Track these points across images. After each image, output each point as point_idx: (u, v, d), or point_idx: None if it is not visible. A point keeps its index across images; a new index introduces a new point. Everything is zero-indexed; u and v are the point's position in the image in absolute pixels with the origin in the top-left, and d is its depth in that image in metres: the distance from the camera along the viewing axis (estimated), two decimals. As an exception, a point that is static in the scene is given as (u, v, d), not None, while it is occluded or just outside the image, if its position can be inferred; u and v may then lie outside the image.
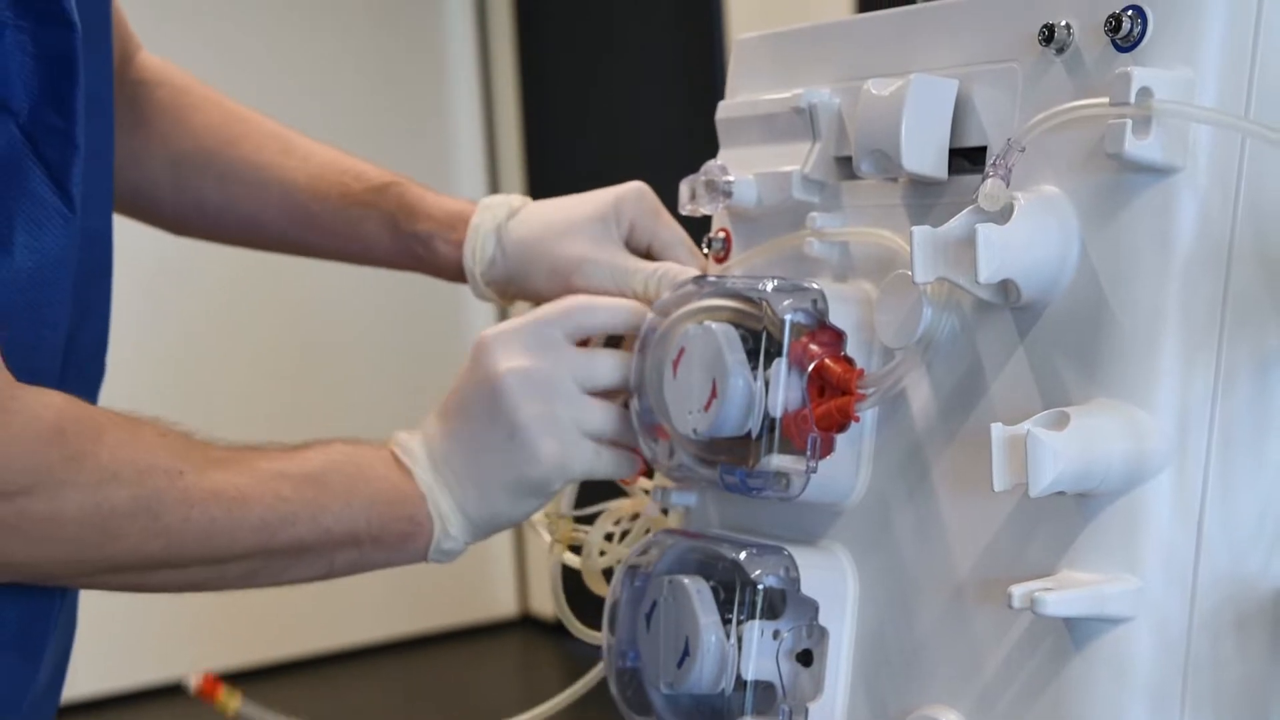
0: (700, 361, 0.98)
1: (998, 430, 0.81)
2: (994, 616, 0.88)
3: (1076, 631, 0.83)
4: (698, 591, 0.99)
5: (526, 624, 4.29)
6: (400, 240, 1.24)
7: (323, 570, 1.01)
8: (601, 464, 1.04)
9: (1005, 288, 0.86)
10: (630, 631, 1.05)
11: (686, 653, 0.98)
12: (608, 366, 1.05)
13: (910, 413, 0.94)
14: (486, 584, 4.26)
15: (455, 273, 1.23)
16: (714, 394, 0.97)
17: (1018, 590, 0.81)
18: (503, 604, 4.27)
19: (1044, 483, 0.80)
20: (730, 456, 0.98)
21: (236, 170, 1.29)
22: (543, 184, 3.92)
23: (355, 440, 1.04)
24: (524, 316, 1.05)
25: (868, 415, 0.95)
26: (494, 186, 4.08)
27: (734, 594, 0.98)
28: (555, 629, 4.12)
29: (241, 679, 3.73)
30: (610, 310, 1.05)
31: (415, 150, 3.99)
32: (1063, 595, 0.80)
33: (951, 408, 0.91)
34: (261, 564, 0.99)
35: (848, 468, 0.96)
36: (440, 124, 4.03)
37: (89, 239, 1.02)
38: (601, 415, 1.04)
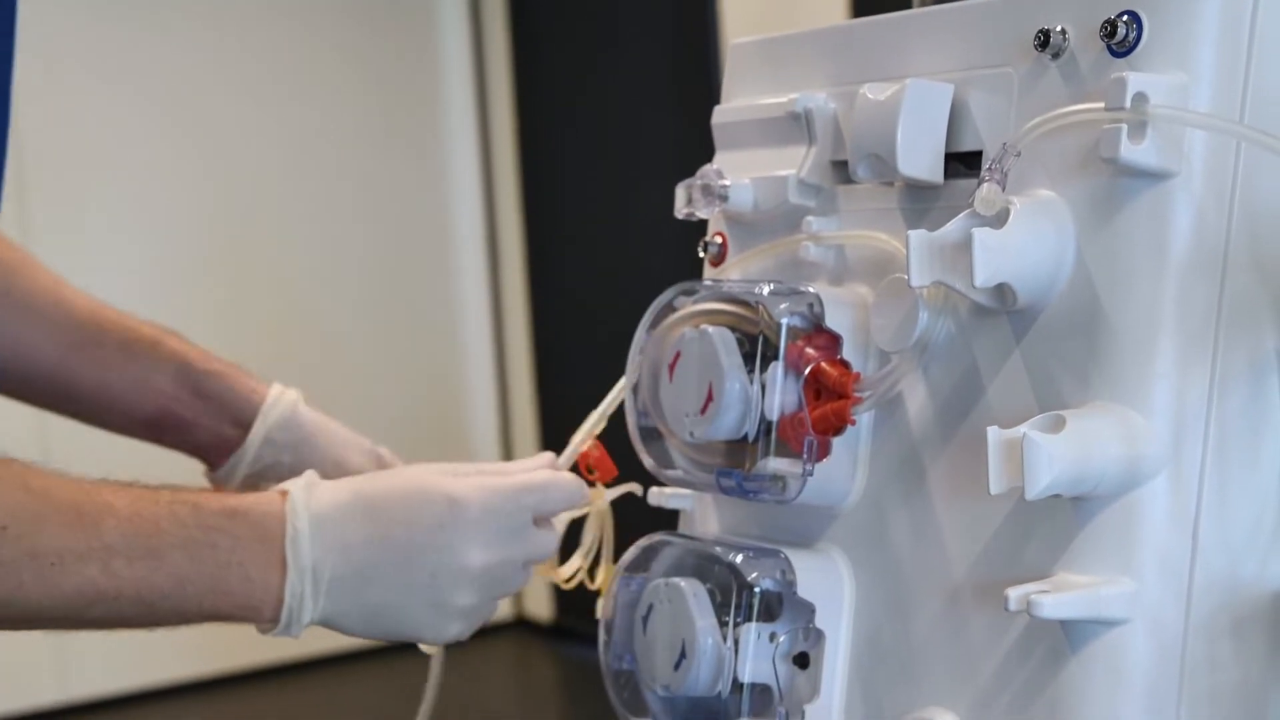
0: (697, 365, 0.98)
1: (994, 433, 0.81)
2: (990, 619, 0.88)
3: (1073, 634, 0.83)
4: (694, 594, 0.99)
5: (521, 627, 4.29)
6: (189, 378, 1.23)
7: (143, 626, 0.96)
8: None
9: (1001, 292, 0.86)
10: (626, 634, 1.05)
11: (683, 655, 0.98)
12: (553, 544, 1.06)
13: (906, 416, 0.94)
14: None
15: (223, 430, 1.23)
16: (710, 398, 0.97)
17: (1014, 593, 0.82)
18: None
19: (1040, 486, 0.80)
20: (727, 460, 0.98)
21: (21, 293, 1.22)
22: (537, 188, 3.92)
23: (238, 499, 0.98)
24: (495, 488, 1.01)
25: (864, 419, 0.96)
26: (489, 194, 4.07)
27: (730, 597, 0.98)
28: (550, 631, 4.12)
29: (235, 682, 3.74)
30: (572, 490, 1.05)
31: (409, 162, 3.99)
32: (1059, 598, 0.81)
33: (947, 411, 0.92)
34: (72, 625, 0.94)
35: (844, 471, 0.96)
36: (435, 134, 4.04)
37: None
38: (525, 576, 1.04)
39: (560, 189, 3.84)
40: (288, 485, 0.99)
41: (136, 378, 1.23)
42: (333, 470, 1.20)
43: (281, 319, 3.75)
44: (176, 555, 0.93)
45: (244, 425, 1.24)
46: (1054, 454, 0.80)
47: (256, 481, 1.24)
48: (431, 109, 4.07)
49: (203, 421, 1.24)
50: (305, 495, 0.97)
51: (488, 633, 4.50)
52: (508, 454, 4.15)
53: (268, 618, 0.96)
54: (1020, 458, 0.80)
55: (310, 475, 1.00)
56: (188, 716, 3.73)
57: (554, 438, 3.67)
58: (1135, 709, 0.82)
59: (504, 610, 4.28)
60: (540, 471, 1.05)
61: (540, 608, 4.20)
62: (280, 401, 1.25)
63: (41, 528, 0.90)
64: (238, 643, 3.71)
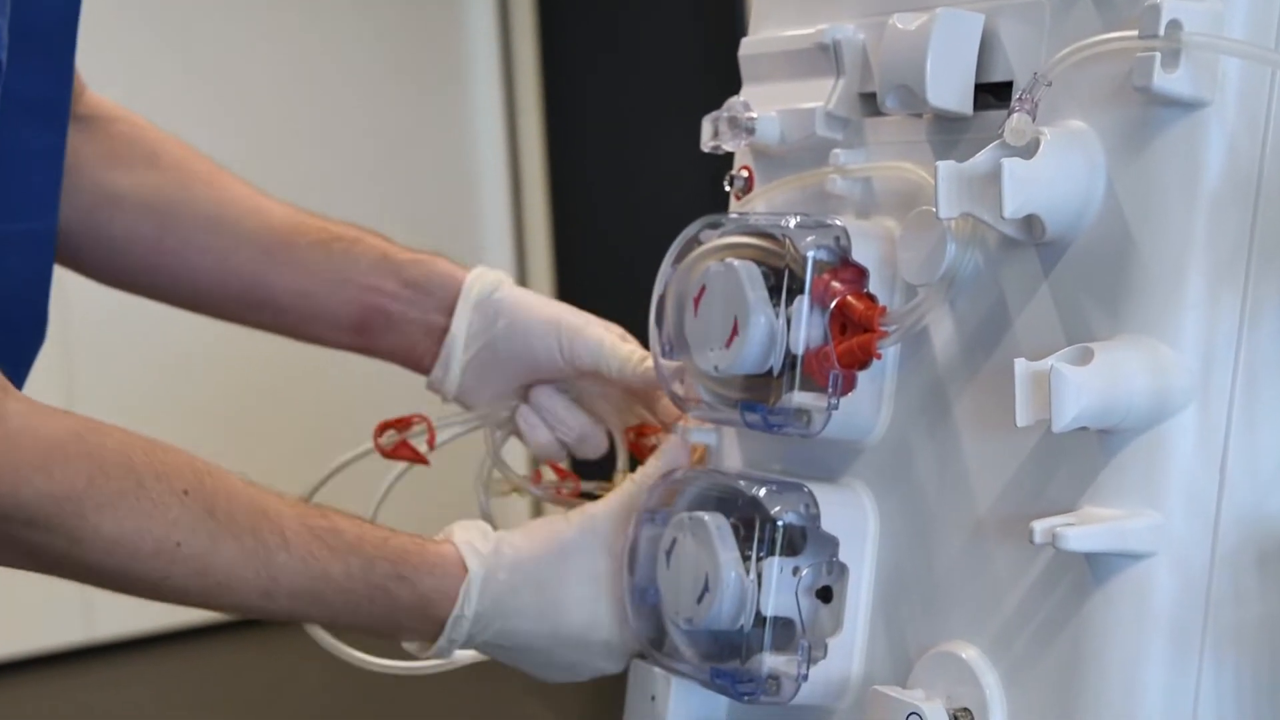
0: (722, 299, 0.98)
1: (1021, 366, 0.81)
2: (1014, 553, 0.88)
3: (1097, 567, 0.83)
4: (717, 528, 0.99)
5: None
6: (391, 268, 1.18)
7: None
8: None
9: (1030, 223, 0.85)
10: (650, 569, 1.05)
11: (706, 589, 0.98)
12: None
13: (932, 350, 0.94)
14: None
15: (430, 319, 1.18)
16: (735, 331, 0.97)
17: (1039, 525, 0.81)
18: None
19: (1067, 418, 0.79)
20: (751, 394, 0.98)
21: (211, 203, 1.19)
22: (561, 125, 3.90)
23: (414, 557, 1.02)
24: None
25: (889, 353, 0.95)
26: (511, 132, 4.05)
27: (754, 531, 0.98)
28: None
29: (255, 626, 3.75)
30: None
31: (431, 101, 3.97)
32: (1084, 530, 0.80)
33: (974, 345, 0.91)
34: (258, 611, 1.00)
35: (869, 405, 0.96)
36: (458, 73, 4.02)
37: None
38: None
39: (584, 125, 3.82)
40: (466, 552, 1.03)
41: (337, 277, 1.17)
42: (522, 369, 1.18)
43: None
44: (337, 602, 0.98)
45: (451, 310, 1.17)
46: (1081, 386, 0.79)
47: (476, 389, 1.19)
48: (454, 47, 4.05)
49: (411, 314, 1.17)
50: (480, 581, 1.03)
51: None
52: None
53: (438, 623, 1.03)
54: (1048, 390, 0.79)
55: (486, 539, 1.05)
56: (210, 657, 3.76)
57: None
58: (1160, 643, 0.82)
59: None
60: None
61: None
62: (479, 281, 1.18)
63: (216, 550, 0.93)
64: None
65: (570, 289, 3.94)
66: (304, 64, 3.82)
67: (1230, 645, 0.82)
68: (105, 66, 3.48)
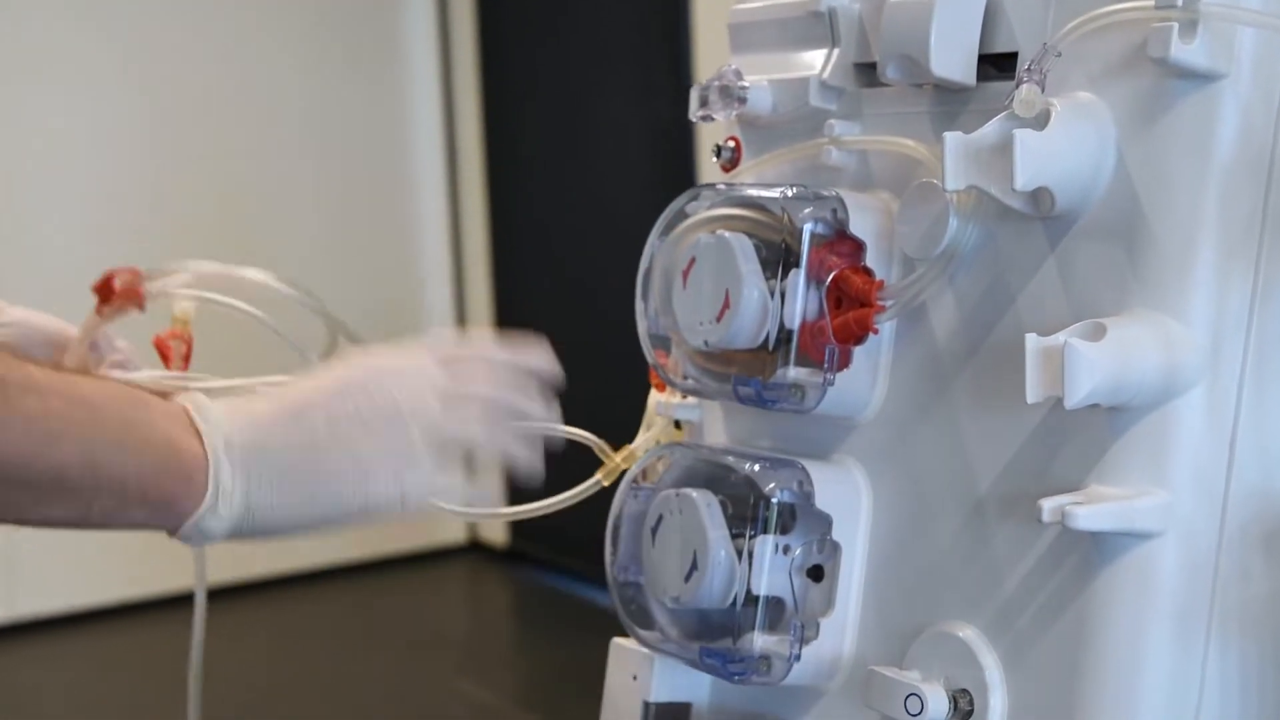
0: (713, 272, 0.96)
1: (1032, 341, 0.79)
2: (1015, 532, 0.86)
3: (1103, 546, 0.82)
4: (706, 505, 0.97)
5: (475, 550, 4.28)
6: None
7: (76, 515, 0.88)
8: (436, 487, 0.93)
9: (1038, 197, 0.84)
10: (633, 546, 1.03)
11: (694, 567, 0.96)
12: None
13: (930, 326, 0.92)
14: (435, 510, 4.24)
15: None
16: (727, 305, 0.95)
17: (1048, 504, 0.80)
18: (451, 530, 4.26)
19: (1080, 395, 0.78)
20: (742, 369, 0.96)
21: None
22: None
23: (135, 385, 0.93)
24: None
25: (885, 328, 0.93)
26: (449, 112, 4.01)
27: (743, 508, 0.96)
28: (504, 556, 4.11)
29: (186, 601, 3.70)
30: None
31: (366, 82, 3.92)
32: (1094, 509, 0.79)
33: (975, 321, 0.90)
34: (12, 491, 0.85)
35: (864, 381, 0.94)
36: (394, 54, 3.98)
37: None
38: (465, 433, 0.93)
39: (523, 100, 3.78)
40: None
41: None
42: None
43: (233, 244, 3.69)
44: (110, 408, 0.87)
45: None
46: (1095, 362, 0.78)
47: None
48: (391, 23, 4.00)
49: None
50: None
51: (441, 556, 4.47)
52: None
53: (199, 487, 0.88)
54: (1059, 366, 0.78)
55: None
56: (134, 634, 3.70)
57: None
58: (1165, 623, 0.81)
59: (458, 534, 4.27)
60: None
61: (495, 533, 4.18)
62: None
63: None
64: (184, 566, 3.68)
65: (505, 267, 3.91)
66: (239, 41, 3.77)
67: (1235, 623, 0.82)
68: (39, 44, 3.43)
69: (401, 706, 3.19)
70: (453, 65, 4.04)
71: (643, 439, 1.08)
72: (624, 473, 1.06)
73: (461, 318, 4.07)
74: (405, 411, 0.90)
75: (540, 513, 1.08)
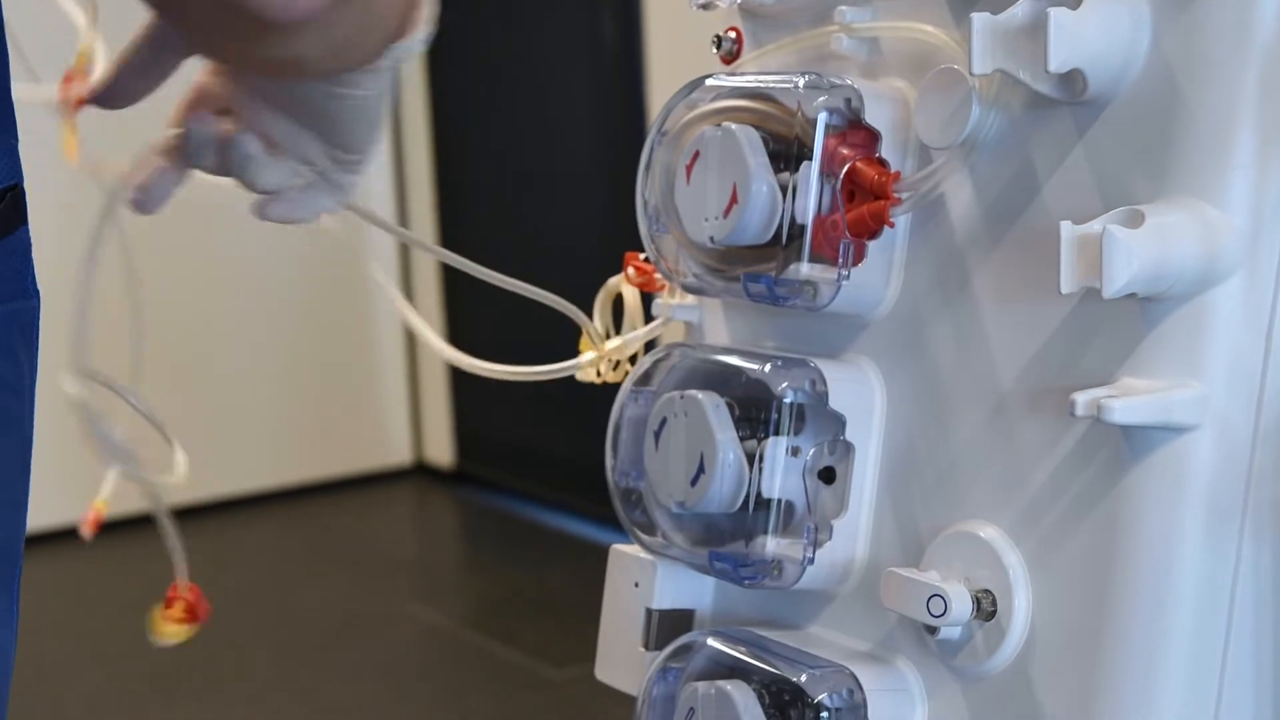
0: (719, 165, 0.92)
1: (1068, 229, 0.77)
2: (1040, 428, 0.84)
3: (1134, 441, 0.80)
4: (714, 406, 0.94)
5: (421, 472, 4.24)
6: None
7: None
8: None
9: (1069, 80, 0.81)
10: (634, 450, 1.00)
11: (701, 470, 0.94)
12: None
13: (948, 218, 0.89)
14: (380, 432, 4.20)
15: None
16: (734, 199, 0.91)
17: (1081, 397, 0.77)
18: (397, 452, 4.22)
19: (1118, 284, 0.75)
20: (748, 266, 0.93)
21: None
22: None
23: None
24: None
25: (899, 221, 0.90)
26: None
27: (751, 410, 0.93)
28: (450, 477, 4.08)
29: (132, 525, 3.65)
30: None
31: None
32: (1130, 402, 0.77)
33: (997, 211, 0.87)
34: None
35: (878, 277, 0.92)
36: None
37: None
38: None
39: (465, 37, 3.70)
40: None
41: None
42: None
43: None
44: None
45: None
46: (1134, 250, 0.75)
47: None
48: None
49: None
50: None
51: (387, 479, 4.42)
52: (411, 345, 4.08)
53: None
54: (1096, 255, 0.75)
55: None
56: (76, 561, 3.65)
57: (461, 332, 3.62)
58: (1199, 518, 0.79)
59: (404, 456, 4.23)
60: None
61: (441, 454, 4.15)
62: None
63: None
64: (127, 487, 3.62)
65: (450, 197, 3.85)
66: None
67: (1269, 519, 0.80)
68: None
69: (351, 630, 3.17)
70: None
71: (639, 334, 1.05)
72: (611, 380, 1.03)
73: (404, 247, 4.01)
74: None
75: (522, 379, 1.07)
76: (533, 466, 3.84)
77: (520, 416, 3.72)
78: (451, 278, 3.92)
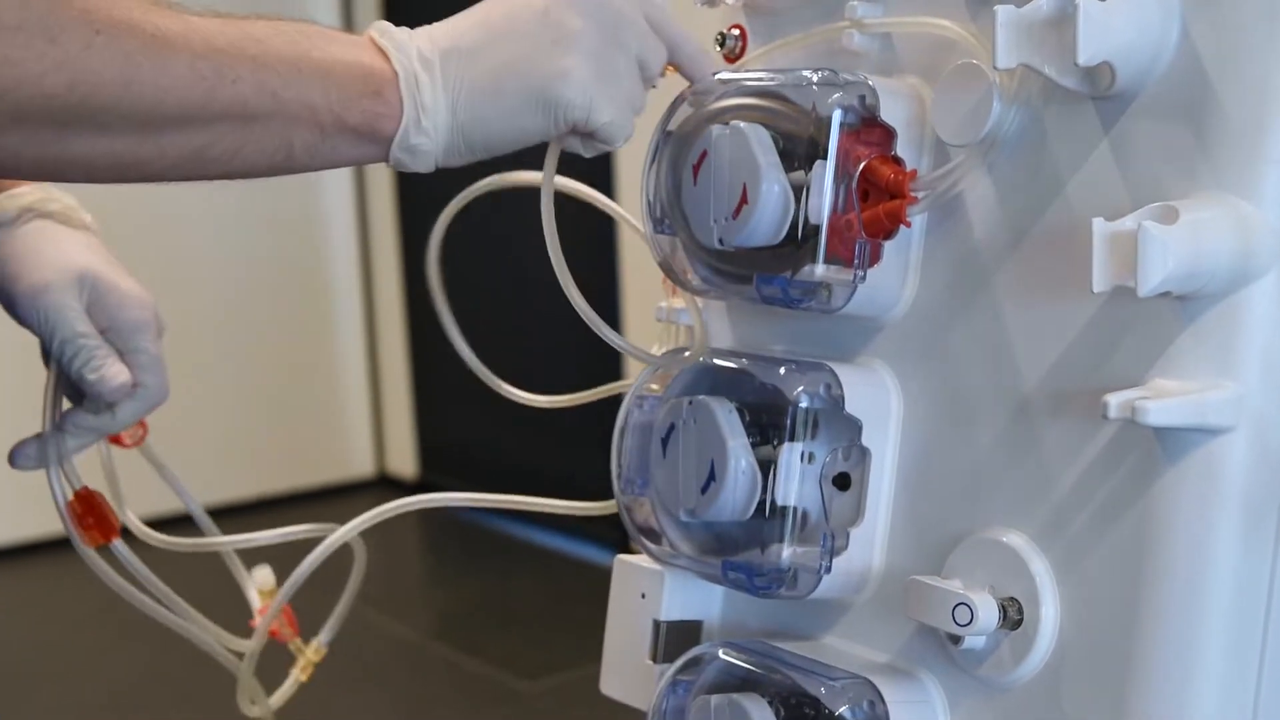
0: (728, 165, 0.90)
1: (1100, 226, 0.74)
2: (1067, 431, 0.82)
3: (1168, 444, 0.77)
4: (725, 412, 0.91)
5: (383, 484, 4.21)
6: None
7: (281, 150, 0.83)
8: (623, 118, 0.88)
9: (1097, 74, 0.79)
10: (639, 458, 0.97)
11: (712, 477, 0.91)
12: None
13: (966, 216, 0.87)
14: (343, 444, 4.16)
15: None
16: (744, 200, 0.89)
17: (1114, 399, 0.75)
18: (359, 464, 4.18)
19: (1154, 282, 0.73)
20: (758, 268, 0.90)
21: None
22: None
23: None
24: None
25: (916, 221, 0.88)
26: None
27: (762, 415, 0.91)
28: (413, 489, 4.04)
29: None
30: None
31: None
32: (1165, 403, 0.75)
33: (1018, 210, 0.84)
34: (203, 133, 0.80)
35: (894, 278, 0.89)
36: None
37: None
38: (656, 60, 0.90)
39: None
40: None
41: None
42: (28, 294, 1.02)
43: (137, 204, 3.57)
44: (276, 39, 0.82)
45: None
46: (1169, 247, 0.73)
47: None
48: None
49: None
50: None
51: (350, 490, 4.39)
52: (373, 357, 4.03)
53: (393, 103, 0.84)
54: (1130, 252, 0.73)
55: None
56: (33, 578, 3.60)
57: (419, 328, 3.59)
58: (1234, 522, 0.76)
59: (367, 468, 4.19)
60: None
61: (404, 466, 4.11)
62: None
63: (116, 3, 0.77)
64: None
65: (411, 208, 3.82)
66: None
67: (1305, 523, 0.78)
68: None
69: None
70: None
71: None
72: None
73: (364, 236, 3.98)
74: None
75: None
76: (496, 477, 3.81)
77: (482, 427, 3.69)
78: (415, 286, 3.87)
